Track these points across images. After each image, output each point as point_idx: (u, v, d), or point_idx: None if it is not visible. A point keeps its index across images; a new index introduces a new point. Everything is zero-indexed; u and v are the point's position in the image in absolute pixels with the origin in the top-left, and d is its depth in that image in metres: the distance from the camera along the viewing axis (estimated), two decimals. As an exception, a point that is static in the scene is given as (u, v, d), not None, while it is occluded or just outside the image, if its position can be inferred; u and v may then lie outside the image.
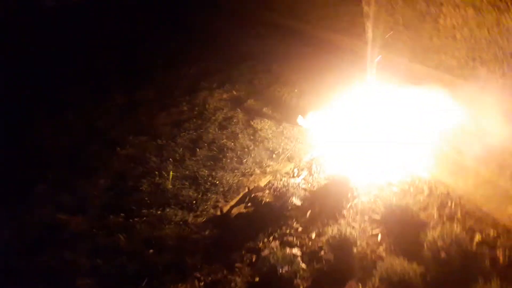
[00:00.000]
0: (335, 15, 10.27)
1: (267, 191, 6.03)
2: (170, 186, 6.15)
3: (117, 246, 5.20)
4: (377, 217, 5.16)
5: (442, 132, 5.96)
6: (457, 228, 4.61)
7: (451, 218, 4.93)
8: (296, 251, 4.86)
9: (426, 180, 5.56)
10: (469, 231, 4.63)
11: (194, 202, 5.84)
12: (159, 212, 5.72)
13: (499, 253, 4.33)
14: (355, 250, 4.77)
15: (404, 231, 4.84)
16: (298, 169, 6.31)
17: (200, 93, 8.73)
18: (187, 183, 6.19)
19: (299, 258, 4.77)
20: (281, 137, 6.91)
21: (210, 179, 6.23)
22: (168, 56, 10.52)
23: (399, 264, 4.31)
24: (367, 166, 5.92)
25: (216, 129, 7.42)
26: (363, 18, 9.23)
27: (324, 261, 4.74)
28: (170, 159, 6.76)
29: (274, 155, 6.56)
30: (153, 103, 8.52)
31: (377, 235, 4.96)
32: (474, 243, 4.45)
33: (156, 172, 6.45)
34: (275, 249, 4.85)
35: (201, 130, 7.43)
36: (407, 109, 6.52)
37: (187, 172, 6.42)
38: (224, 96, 8.56)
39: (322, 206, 5.47)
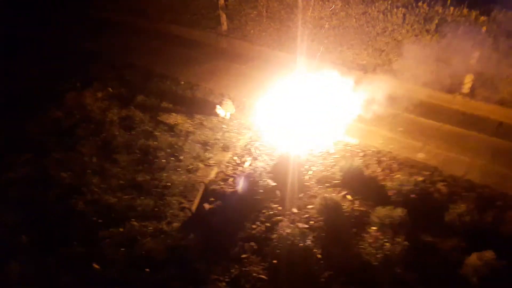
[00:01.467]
0: (186, 10, 10.24)
1: (222, 183, 5.82)
2: (115, 199, 5.18)
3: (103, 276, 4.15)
4: (338, 181, 5.73)
5: (346, 108, 6.95)
6: (403, 175, 5.65)
7: (391, 168, 5.95)
8: (302, 225, 4.98)
9: (355, 144, 6.45)
10: (412, 175, 5.72)
11: (156, 209, 5.14)
12: (121, 230, 4.80)
13: (441, 186, 5.59)
14: (338, 211, 5.20)
15: (365, 187, 5.57)
16: (238, 156, 6.26)
17: (66, 95, 7.36)
18: (134, 192, 5.34)
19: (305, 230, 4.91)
20: (205, 129, 6.66)
21: (156, 182, 5.55)
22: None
23: (384, 211, 5.00)
24: (302, 142, 6.39)
25: (122, 130, 6.51)
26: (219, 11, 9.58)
27: (319, 227, 5.02)
28: (88, 171, 5.63)
29: (208, 147, 6.29)
30: (8, 113, 6.74)
31: (345, 195, 5.52)
32: (422, 183, 5.55)
33: (83, 189, 5.30)
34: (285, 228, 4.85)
35: (103, 135, 6.41)
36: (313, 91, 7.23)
37: (121, 181, 5.52)
38: (100, 95, 7.48)
39: (286, 183, 5.66)
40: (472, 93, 7.02)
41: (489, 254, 4.32)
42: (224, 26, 9.78)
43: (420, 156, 6.19)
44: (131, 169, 5.71)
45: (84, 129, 6.50)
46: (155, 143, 6.24)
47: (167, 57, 9.24)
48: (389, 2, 7.21)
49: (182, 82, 8.07)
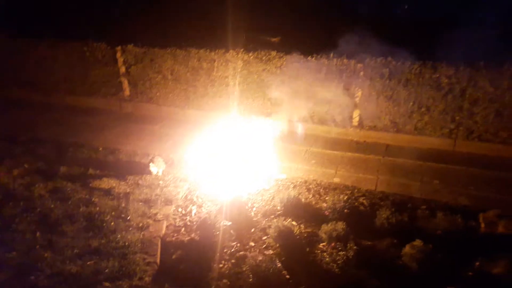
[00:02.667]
0: (85, 80, 10.32)
1: (175, 234, 6.06)
2: (78, 267, 5.07)
3: None
4: (280, 212, 6.45)
5: (266, 150, 7.83)
6: (332, 196, 6.64)
7: (319, 193, 6.92)
8: (268, 252, 5.53)
9: (284, 179, 7.30)
10: (339, 195, 6.71)
11: (124, 268, 5.16)
12: (96, 295, 4.74)
13: (363, 200, 6.70)
14: (291, 235, 5.88)
15: (305, 212, 6.39)
16: (182, 208, 6.58)
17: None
18: (94, 257, 5.28)
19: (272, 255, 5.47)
20: (142, 188, 6.82)
21: (113, 244, 5.55)
22: None
23: (328, 227, 5.85)
24: (238, 185, 7.00)
25: (57, 202, 6.33)
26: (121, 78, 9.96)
27: (279, 253, 5.62)
28: (37, 246, 5.41)
29: (151, 204, 6.47)
30: None
31: (291, 222, 6.23)
32: (348, 200, 6.57)
33: (39, 264, 5.09)
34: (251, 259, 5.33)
35: (38, 210, 6.16)
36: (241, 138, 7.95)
37: (77, 250, 5.41)
38: (16, 172, 7.15)
39: (237, 222, 6.17)
40: (361, 125, 8.56)
41: (418, 243, 5.38)
42: (127, 92, 10.15)
43: (337, 180, 7.30)
44: (82, 237, 5.60)
45: (13, 208, 6.14)
46: (97, 209, 6.20)
47: (73, 126, 9.21)
48: (284, 59, 8.51)
49: (101, 149, 8.11)
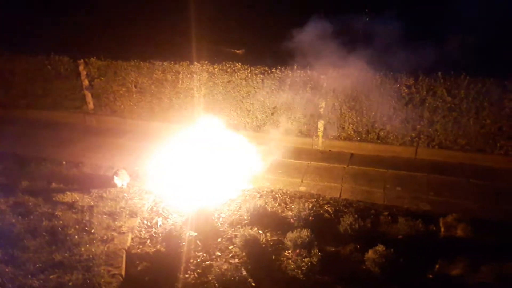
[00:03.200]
0: (47, 93, 10.13)
1: (141, 246, 6.01)
2: (40, 281, 4.96)
3: None
4: (247, 221, 6.48)
5: (231, 160, 7.89)
6: (297, 205, 6.74)
7: (285, 201, 7.00)
8: (233, 260, 5.55)
9: (251, 188, 7.35)
10: (304, 203, 6.78)
11: (88, 281, 5.08)
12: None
13: (327, 207, 6.83)
14: (257, 244, 5.93)
15: (271, 220, 6.46)
16: (147, 220, 6.53)
17: None
18: (57, 270, 5.17)
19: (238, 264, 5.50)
20: (107, 201, 6.73)
21: (77, 257, 5.46)
22: None
23: (293, 235, 5.92)
24: (204, 196, 7.00)
25: (19, 218, 6.18)
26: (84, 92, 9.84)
27: (245, 261, 5.65)
28: (-4, 262, 5.25)
29: (116, 216, 6.39)
30: None
31: (257, 230, 6.27)
32: (313, 208, 6.68)
33: (1, 280, 4.94)
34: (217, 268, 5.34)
35: (-2, 225, 5.98)
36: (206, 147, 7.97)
37: (39, 264, 5.29)
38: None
39: (203, 233, 6.17)
40: (325, 135, 8.72)
41: (380, 248, 5.52)
42: (91, 105, 10.02)
43: (303, 188, 7.43)
44: (45, 251, 5.49)
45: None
46: (60, 222, 6.08)
47: (35, 140, 9.04)
48: (249, 71, 8.63)
49: (64, 162, 7.97)
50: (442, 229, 6.20)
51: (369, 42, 9.17)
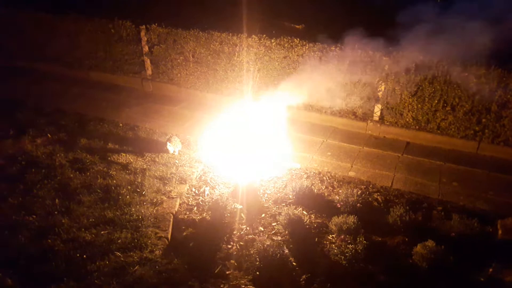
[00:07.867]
0: (108, 56, 10.43)
1: (188, 212, 6.13)
2: (92, 236, 5.20)
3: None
4: (291, 200, 6.43)
5: (282, 138, 7.82)
6: (345, 190, 6.58)
7: (333, 185, 6.86)
8: (276, 237, 5.55)
9: (298, 168, 7.27)
10: (352, 189, 6.64)
11: (136, 241, 5.25)
12: (107, 262, 4.85)
13: (377, 196, 6.62)
14: (301, 224, 5.87)
15: (316, 202, 6.35)
16: (195, 187, 6.63)
17: (1, 143, 7.08)
18: (108, 227, 5.39)
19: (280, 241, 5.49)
20: (158, 165, 6.90)
21: (127, 217, 5.64)
22: None
23: (339, 219, 5.80)
24: (252, 170, 7.01)
25: (76, 173, 6.47)
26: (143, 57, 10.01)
27: (287, 240, 5.62)
28: (56, 212, 5.56)
29: (166, 181, 6.54)
30: None
31: (301, 211, 6.21)
32: (362, 195, 6.50)
33: (56, 229, 5.22)
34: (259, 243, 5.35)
35: (58, 178, 6.32)
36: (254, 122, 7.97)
37: (92, 219, 5.53)
38: (39, 141, 7.33)
39: (248, 207, 6.19)
40: (381, 120, 8.43)
41: (430, 243, 5.28)
42: (149, 71, 10.21)
43: (352, 174, 7.23)
44: (98, 207, 5.73)
45: (35, 174, 6.33)
46: (114, 181, 6.30)
47: (95, 101, 9.35)
48: (307, 47, 8.40)
49: (121, 124, 8.22)
50: (500, 232, 5.83)
51: (439, 26, 8.60)
